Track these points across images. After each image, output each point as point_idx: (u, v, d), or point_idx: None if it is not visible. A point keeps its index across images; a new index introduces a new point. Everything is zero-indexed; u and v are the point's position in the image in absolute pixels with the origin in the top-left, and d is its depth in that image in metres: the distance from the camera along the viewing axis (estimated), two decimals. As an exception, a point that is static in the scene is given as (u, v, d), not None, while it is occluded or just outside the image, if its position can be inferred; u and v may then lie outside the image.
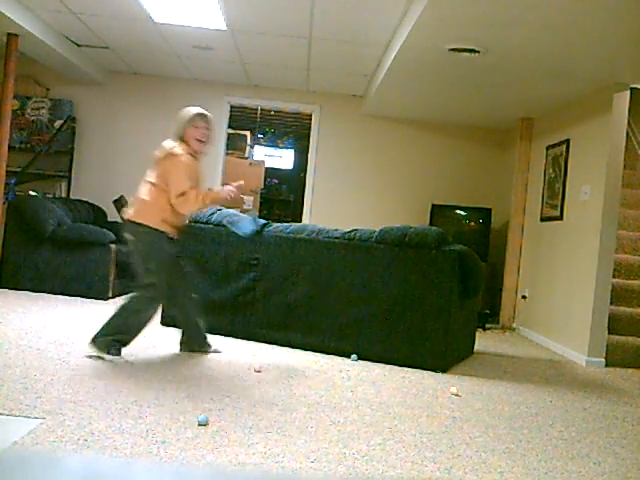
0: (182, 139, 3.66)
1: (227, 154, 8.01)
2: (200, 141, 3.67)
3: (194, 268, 4.61)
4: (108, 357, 3.55)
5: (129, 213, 3.63)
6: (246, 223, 3.96)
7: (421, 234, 4.26)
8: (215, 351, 4.05)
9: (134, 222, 3.59)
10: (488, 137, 7.60)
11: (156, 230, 3.57)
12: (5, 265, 5.81)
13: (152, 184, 3.60)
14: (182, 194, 3.52)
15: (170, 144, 3.64)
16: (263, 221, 4.65)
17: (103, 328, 3.57)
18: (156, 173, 3.61)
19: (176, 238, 3.74)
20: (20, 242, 5.82)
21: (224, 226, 4.68)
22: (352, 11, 4.65)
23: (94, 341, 3.56)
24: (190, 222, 4.77)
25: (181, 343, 4.01)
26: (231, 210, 4.96)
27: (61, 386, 2.94)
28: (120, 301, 3.66)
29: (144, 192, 3.62)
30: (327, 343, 4.40)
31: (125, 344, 3.64)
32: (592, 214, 5.22)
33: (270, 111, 8.55)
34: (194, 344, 3.98)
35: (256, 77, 7.00)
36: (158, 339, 4.31)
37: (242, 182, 3.78)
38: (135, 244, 3.61)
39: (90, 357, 3.56)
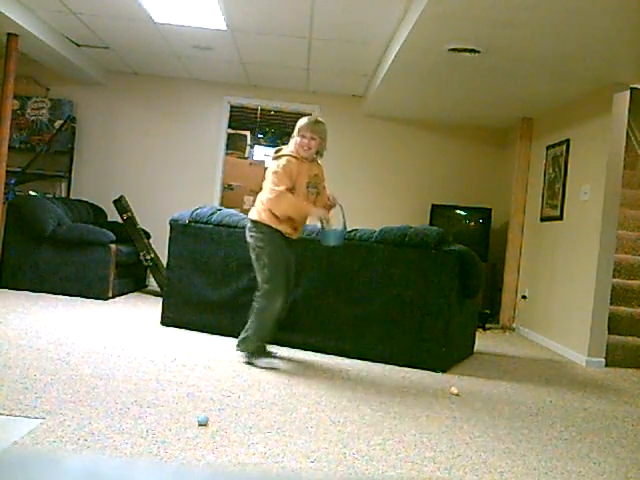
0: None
1: (227, 154, 8.01)
2: (303, 148, 3.78)
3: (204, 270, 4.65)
4: (268, 360, 3.84)
5: (249, 213, 3.88)
6: (332, 236, 3.98)
7: (421, 234, 4.26)
8: (274, 356, 4.09)
9: (250, 220, 3.83)
10: (488, 137, 7.59)
11: (269, 227, 3.73)
12: (5, 265, 5.81)
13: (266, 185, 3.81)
14: (276, 192, 3.67)
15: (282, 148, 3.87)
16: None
17: (246, 332, 3.88)
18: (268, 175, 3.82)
19: (294, 239, 3.89)
20: (20, 242, 5.81)
21: (224, 226, 4.68)
22: (352, 11, 4.65)
23: (242, 345, 3.87)
24: (190, 222, 4.77)
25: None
26: (232, 210, 4.96)
27: (61, 386, 2.94)
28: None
29: (261, 193, 3.83)
30: (327, 343, 4.40)
31: (267, 342, 3.97)
32: (592, 214, 5.22)
33: (270, 111, 8.55)
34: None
35: (256, 77, 7.00)
36: (158, 339, 4.31)
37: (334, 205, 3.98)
38: (251, 243, 3.82)
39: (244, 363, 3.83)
